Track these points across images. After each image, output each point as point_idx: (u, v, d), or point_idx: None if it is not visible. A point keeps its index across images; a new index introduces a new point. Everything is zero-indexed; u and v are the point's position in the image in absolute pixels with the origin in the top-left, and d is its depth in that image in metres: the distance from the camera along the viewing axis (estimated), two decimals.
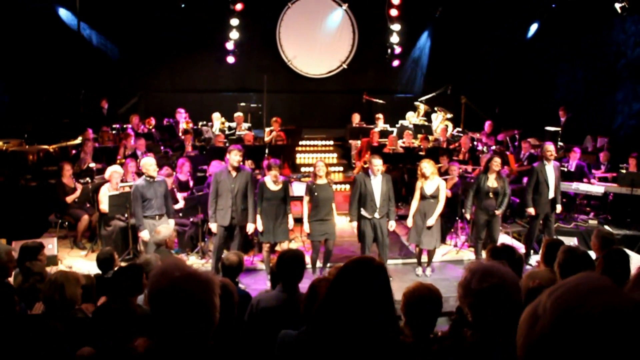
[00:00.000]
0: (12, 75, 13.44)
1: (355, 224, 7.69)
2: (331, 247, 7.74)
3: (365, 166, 11.79)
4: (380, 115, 13.86)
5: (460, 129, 13.93)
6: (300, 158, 13.79)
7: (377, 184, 7.61)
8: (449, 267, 8.55)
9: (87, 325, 3.73)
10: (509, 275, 2.25)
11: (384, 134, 12.89)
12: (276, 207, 7.61)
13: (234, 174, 7.52)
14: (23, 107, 13.33)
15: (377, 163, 7.54)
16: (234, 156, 7.43)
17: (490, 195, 8.16)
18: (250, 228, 7.62)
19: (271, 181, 7.60)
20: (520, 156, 11.52)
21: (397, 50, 15.81)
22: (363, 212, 7.64)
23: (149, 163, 7.54)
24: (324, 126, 15.36)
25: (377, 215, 7.61)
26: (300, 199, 8.82)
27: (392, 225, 7.77)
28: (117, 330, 3.01)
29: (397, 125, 13.91)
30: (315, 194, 7.59)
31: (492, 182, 8.15)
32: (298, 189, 9.12)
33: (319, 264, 7.96)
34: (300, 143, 13.98)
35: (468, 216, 8.41)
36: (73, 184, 9.32)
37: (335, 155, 14.22)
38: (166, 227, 6.46)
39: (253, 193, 7.64)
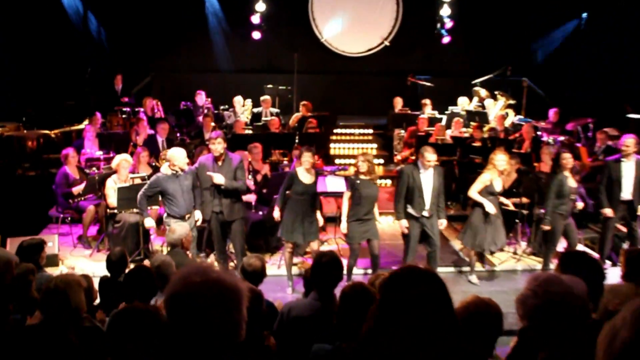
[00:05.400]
0: (11, 53, 13.61)
1: (404, 222, 7.65)
2: (376, 249, 7.66)
3: (412, 157, 11.83)
4: (427, 101, 13.68)
5: (521, 117, 13.68)
6: (334, 148, 13.80)
7: (428, 178, 7.57)
8: (507, 278, 8.44)
9: (99, 335, 3.73)
10: (576, 289, 2.19)
11: (431, 121, 12.73)
12: (308, 203, 7.61)
13: (219, 163, 7.71)
14: (22, 88, 13.48)
15: (431, 158, 7.46)
16: (217, 144, 7.61)
17: (572, 197, 8.10)
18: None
19: (304, 172, 7.56)
20: (595, 149, 11.21)
21: (448, 24, 15.61)
22: (410, 209, 7.62)
23: (179, 154, 7.49)
24: (362, 112, 15.36)
25: (425, 213, 7.59)
26: (333, 195, 8.76)
27: (443, 223, 7.75)
28: (138, 339, 2.97)
29: (447, 112, 13.71)
30: (357, 190, 7.53)
31: (572, 182, 8.07)
32: (332, 183, 8.96)
33: (358, 269, 7.93)
34: (335, 131, 13.95)
35: (547, 226, 8.18)
36: (78, 174, 9.38)
37: (374, 145, 14.15)
38: (181, 226, 6.44)
39: (244, 181, 7.84)
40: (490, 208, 7.82)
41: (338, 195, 9.14)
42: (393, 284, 2.07)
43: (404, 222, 7.67)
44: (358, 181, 7.58)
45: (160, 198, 7.77)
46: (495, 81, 14.81)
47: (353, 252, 7.70)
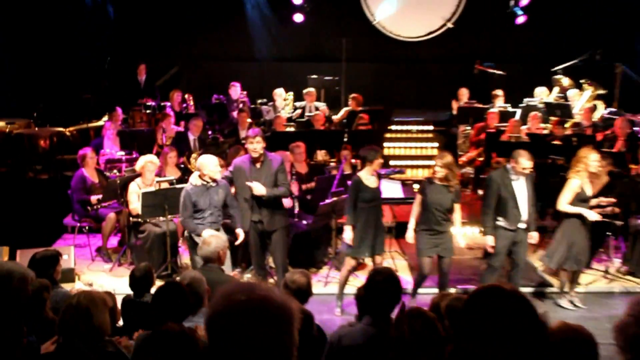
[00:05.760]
0: (20, 40, 13.88)
1: (491, 239, 7.61)
2: (447, 267, 7.65)
3: (480, 159, 11.76)
4: (498, 92, 13.49)
5: (613, 110, 13.35)
6: (389, 148, 13.70)
7: (521, 186, 7.56)
8: (598, 302, 8.28)
9: None
10: None
11: (503, 116, 12.55)
12: (377, 211, 7.68)
13: (257, 165, 7.68)
14: (33, 79, 13.67)
15: (527, 165, 7.39)
16: (256, 144, 7.57)
17: None
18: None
19: (368, 175, 7.59)
20: None
21: (523, 1, 15.38)
22: (502, 222, 7.59)
23: (208, 162, 7.45)
24: (421, 106, 15.34)
25: (522, 225, 7.57)
26: (388, 202, 8.69)
27: (534, 236, 7.73)
28: None
29: (522, 105, 13.53)
30: (426, 195, 7.52)
31: None
32: (387, 189, 8.87)
33: (424, 289, 7.92)
34: (389, 128, 13.93)
35: None
36: (97, 178, 9.48)
37: (435, 145, 14.01)
38: (217, 237, 6.35)
39: (287, 186, 7.83)
40: (593, 215, 7.73)
41: (393, 203, 9.17)
42: (474, 306, 2.06)
43: (491, 240, 7.62)
44: (429, 184, 7.58)
45: None
46: (580, 67, 14.45)
47: (422, 266, 7.66)
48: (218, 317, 1.84)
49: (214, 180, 7.47)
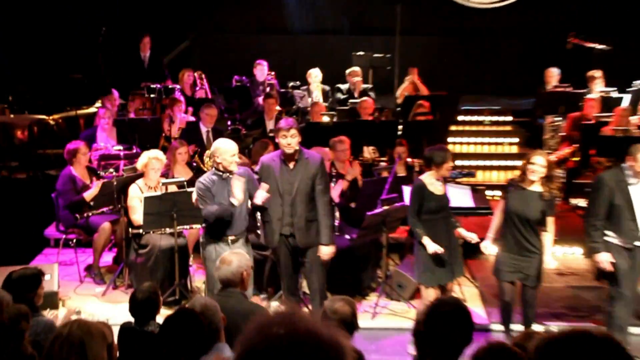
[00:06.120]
0: None
1: (605, 256, 7.38)
2: (532, 298, 7.59)
3: (574, 159, 11.66)
4: (598, 73, 13.22)
5: None
6: (455, 144, 13.60)
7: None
8: None
9: None
10: None
11: (605, 103, 12.33)
12: (446, 223, 7.68)
13: (290, 165, 7.61)
14: (8, 55, 13.79)
15: None
16: (290, 138, 7.47)
17: None
18: (325, 252, 7.60)
19: (434, 180, 7.60)
20: None
21: None
22: (613, 237, 7.47)
23: (225, 149, 7.41)
24: (497, 92, 15.35)
25: (638, 243, 7.42)
26: (455, 212, 8.53)
27: None
28: None
29: (631, 89, 13.27)
30: (510, 202, 7.49)
31: None
32: (454, 196, 8.63)
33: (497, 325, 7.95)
34: (456, 119, 13.89)
35: None
36: (89, 178, 9.43)
37: (514, 140, 13.99)
38: (240, 255, 6.25)
39: (327, 192, 7.81)
40: None
41: (460, 214, 8.85)
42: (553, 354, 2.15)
43: (605, 257, 7.38)
44: (511, 188, 7.54)
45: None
46: None
47: (503, 292, 7.58)
48: (252, 356, 1.84)
49: (229, 171, 7.39)
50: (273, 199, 7.65)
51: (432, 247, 7.40)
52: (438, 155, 7.58)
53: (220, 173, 7.42)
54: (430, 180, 7.59)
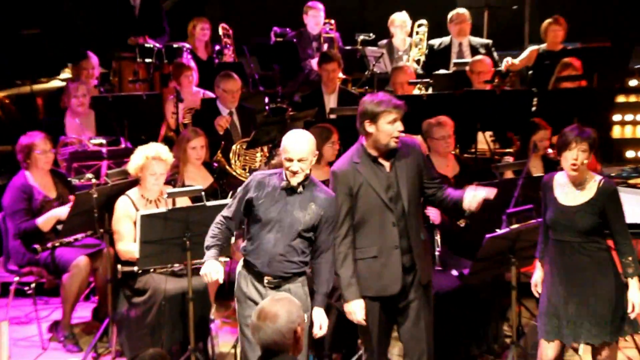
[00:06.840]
0: None
1: None
2: None
3: None
4: None
5: None
6: (623, 125, 13.46)
7: None
8: None
9: None
10: None
11: None
12: (581, 247, 7.19)
13: (384, 164, 7.05)
14: None
15: None
16: (388, 125, 6.96)
17: None
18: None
19: (568, 182, 7.10)
20: None
21: None
22: None
23: (295, 142, 6.67)
24: None
25: None
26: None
27: None
28: None
29: None
30: None
31: None
32: (626, 205, 8.24)
33: None
34: (626, 86, 13.25)
35: None
36: (54, 187, 9.02)
37: None
38: (289, 303, 5.51)
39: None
40: None
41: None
42: None
43: None
44: None
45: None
46: None
47: None
48: None
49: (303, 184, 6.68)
50: (374, 218, 7.25)
51: (538, 275, 7.64)
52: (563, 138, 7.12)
53: (287, 181, 6.80)
54: (563, 180, 7.40)
